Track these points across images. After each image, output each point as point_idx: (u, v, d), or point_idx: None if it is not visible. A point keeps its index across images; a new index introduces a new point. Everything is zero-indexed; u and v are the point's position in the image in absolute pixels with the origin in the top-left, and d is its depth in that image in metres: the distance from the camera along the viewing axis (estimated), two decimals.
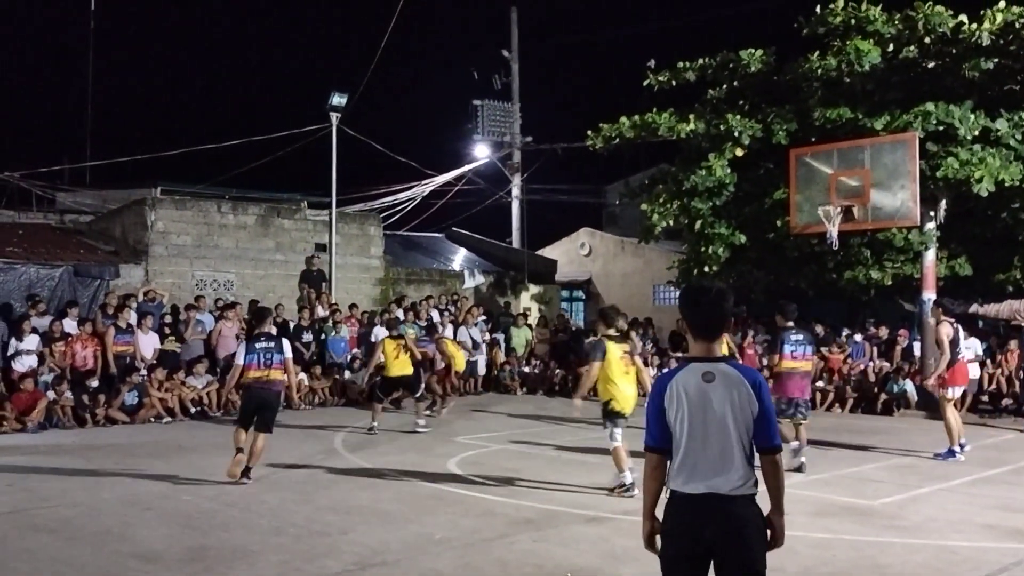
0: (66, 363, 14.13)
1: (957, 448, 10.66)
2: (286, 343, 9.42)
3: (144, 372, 14.50)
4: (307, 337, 16.85)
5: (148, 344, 15.06)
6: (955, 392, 10.95)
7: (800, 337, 10.19)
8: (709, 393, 3.56)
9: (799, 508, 7.86)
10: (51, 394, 13.30)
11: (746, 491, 3.55)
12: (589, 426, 13.66)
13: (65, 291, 16.37)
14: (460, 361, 15.97)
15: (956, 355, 10.76)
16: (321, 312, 17.75)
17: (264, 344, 9.15)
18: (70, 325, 14.65)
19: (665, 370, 17.03)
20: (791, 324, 10.29)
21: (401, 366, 12.92)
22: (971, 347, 15.30)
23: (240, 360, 9.17)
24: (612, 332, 8.77)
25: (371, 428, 12.61)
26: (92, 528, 7.30)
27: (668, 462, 3.65)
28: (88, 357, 14.36)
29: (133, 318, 15.18)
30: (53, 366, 13.96)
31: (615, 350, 8.60)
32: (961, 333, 10.99)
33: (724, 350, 3.76)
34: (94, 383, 13.97)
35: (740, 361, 13.69)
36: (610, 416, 8.57)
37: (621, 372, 8.55)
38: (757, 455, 3.62)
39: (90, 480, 9.28)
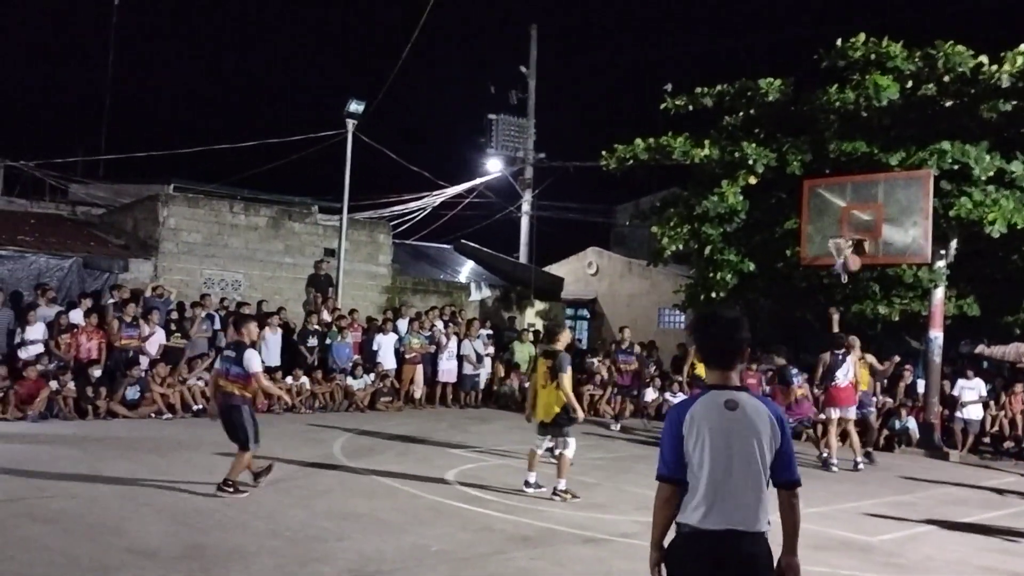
0: (71, 354, 14.14)
1: (834, 461, 12.44)
2: (250, 356, 8.63)
3: (147, 367, 14.50)
4: (312, 342, 16.88)
5: (153, 340, 15.08)
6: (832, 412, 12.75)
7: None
8: (733, 423, 3.41)
9: (799, 541, 7.82)
10: (54, 384, 13.31)
11: (763, 527, 3.43)
12: (588, 445, 13.64)
13: (74, 282, 16.41)
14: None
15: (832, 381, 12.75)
16: (326, 317, 17.77)
17: (229, 352, 8.87)
18: (77, 316, 14.67)
19: (676, 397, 17.04)
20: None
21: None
22: (975, 388, 15.35)
23: (216, 365, 9.10)
24: (556, 347, 9.47)
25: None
26: (88, 520, 7.30)
27: (681, 493, 3.48)
28: (93, 349, 14.36)
29: (140, 313, 15.22)
30: (58, 356, 13.97)
31: (541, 365, 9.54)
32: (847, 363, 12.72)
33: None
34: (97, 372, 13.97)
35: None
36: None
37: (539, 384, 9.45)
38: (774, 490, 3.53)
39: (89, 472, 9.27)
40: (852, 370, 12.81)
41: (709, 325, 3.67)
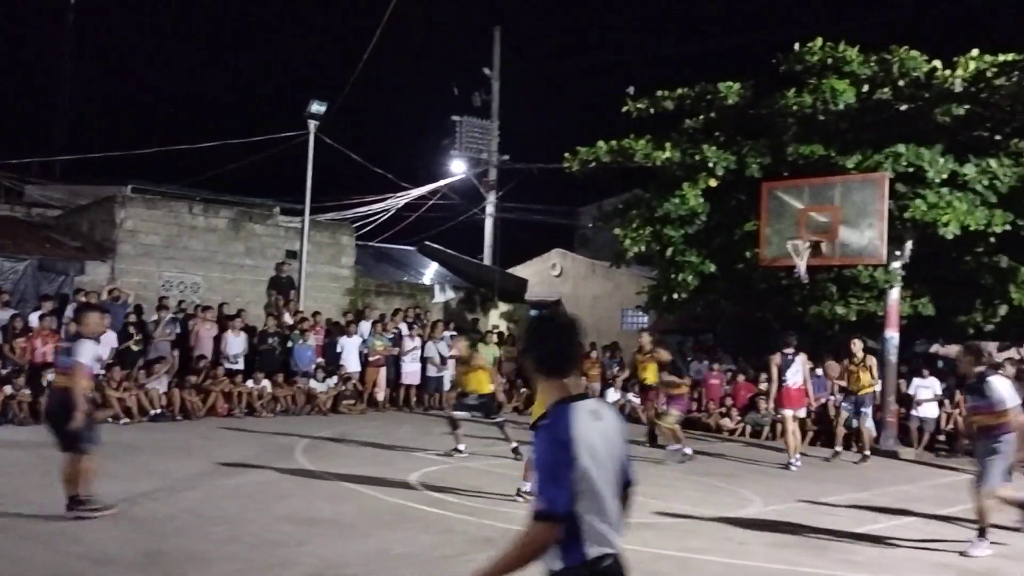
0: (25, 359, 13.89)
1: (792, 460, 12.69)
2: (82, 346, 7.53)
3: (102, 371, 14.27)
4: (272, 343, 16.76)
5: (104, 343, 14.83)
6: (786, 412, 13.04)
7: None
8: (607, 438, 3.07)
9: (757, 538, 7.93)
10: (8, 388, 13.06)
11: None
12: None
13: (29, 285, 16.14)
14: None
15: (783, 382, 12.92)
16: (288, 319, 17.64)
17: (65, 345, 8.14)
18: (34, 319, 14.43)
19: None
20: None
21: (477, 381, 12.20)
22: (930, 386, 15.64)
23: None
24: None
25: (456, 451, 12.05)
26: (44, 528, 7.18)
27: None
28: (48, 353, 14.11)
29: None
30: (12, 360, 13.71)
31: None
32: (797, 363, 12.90)
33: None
34: (50, 375, 13.71)
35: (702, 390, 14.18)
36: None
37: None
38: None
39: (43, 479, 9.08)
40: (802, 371, 13.04)
41: (548, 330, 3.24)
